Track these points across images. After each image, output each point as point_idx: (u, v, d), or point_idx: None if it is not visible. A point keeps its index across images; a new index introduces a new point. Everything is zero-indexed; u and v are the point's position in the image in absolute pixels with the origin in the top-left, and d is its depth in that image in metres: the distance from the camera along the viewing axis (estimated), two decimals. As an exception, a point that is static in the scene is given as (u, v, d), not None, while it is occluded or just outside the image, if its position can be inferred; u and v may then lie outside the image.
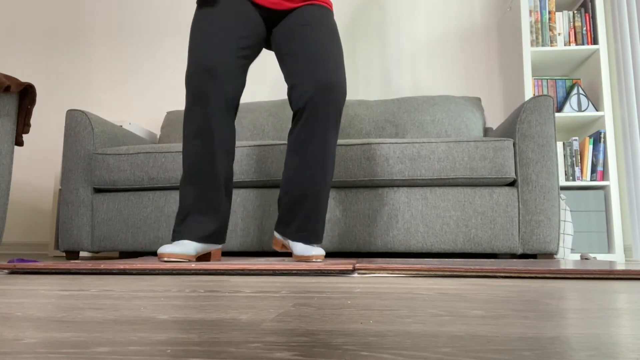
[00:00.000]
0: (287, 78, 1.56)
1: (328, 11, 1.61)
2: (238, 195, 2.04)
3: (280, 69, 1.64)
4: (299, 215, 1.54)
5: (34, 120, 3.29)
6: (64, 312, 0.55)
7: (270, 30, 1.63)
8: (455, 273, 1.11)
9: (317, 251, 1.49)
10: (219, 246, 1.61)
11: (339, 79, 1.49)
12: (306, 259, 1.48)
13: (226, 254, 2.54)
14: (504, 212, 1.92)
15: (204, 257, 1.59)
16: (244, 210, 2.02)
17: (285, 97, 3.09)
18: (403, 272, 1.13)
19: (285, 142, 2.10)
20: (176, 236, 1.50)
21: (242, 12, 1.54)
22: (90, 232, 2.10)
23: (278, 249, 1.69)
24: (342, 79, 1.51)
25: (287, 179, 1.56)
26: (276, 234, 1.65)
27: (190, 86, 1.49)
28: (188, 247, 1.45)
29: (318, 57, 1.50)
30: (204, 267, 1.15)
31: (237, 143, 2.07)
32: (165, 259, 1.39)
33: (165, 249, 1.40)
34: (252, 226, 2.01)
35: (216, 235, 1.54)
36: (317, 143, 1.50)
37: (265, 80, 3.13)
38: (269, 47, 1.70)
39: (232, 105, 1.53)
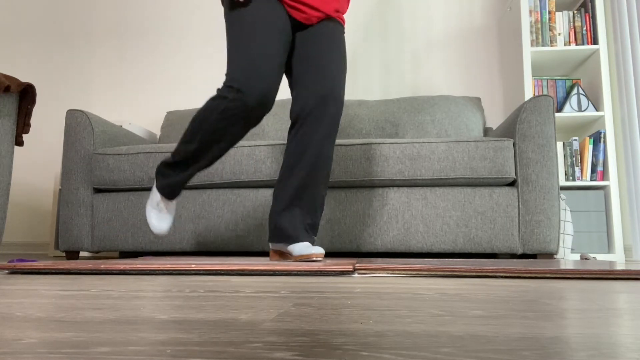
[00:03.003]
0: (293, 84, 1.63)
1: (342, 28, 1.70)
2: (238, 195, 2.04)
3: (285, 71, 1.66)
4: (294, 214, 1.56)
5: (34, 120, 3.29)
6: (64, 312, 0.55)
7: (294, 34, 1.66)
8: (455, 273, 1.11)
9: (317, 249, 1.49)
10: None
11: (340, 93, 1.59)
12: (306, 257, 1.48)
13: (226, 254, 2.54)
14: (504, 212, 1.92)
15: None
16: (244, 210, 2.02)
17: (286, 97, 3.09)
18: (403, 272, 1.13)
19: (285, 142, 2.10)
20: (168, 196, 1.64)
21: (280, 18, 1.56)
22: (90, 232, 2.10)
23: (276, 259, 1.69)
24: (343, 94, 1.62)
25: (283, 186, 1.59)
26: (271, 246, 1.64)
27: (232, 103, 1.48)
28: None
29: (326, 72, 1.58)
30: (204, 267, 1.15)
31: (237, 143, 2.07)
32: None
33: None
34: (252, 226, 2.01)
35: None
36: (313, 152, 1.55)
37: (265, 80, 3.13)
38: None
39: (261, 117, 1.57)
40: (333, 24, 1.65)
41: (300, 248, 1.52)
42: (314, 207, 1.58)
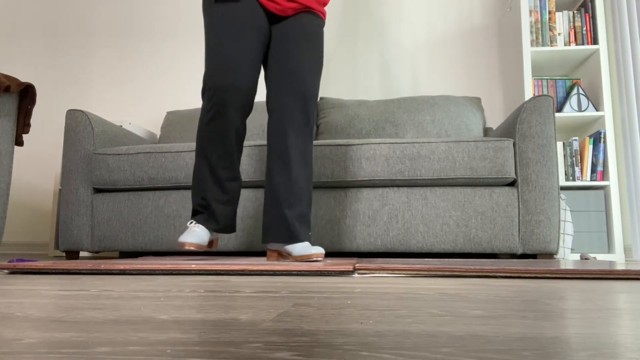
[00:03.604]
0: (266, 79, 1.65)
1: (321, 22, 1.68)
2: (238, 195, 2.04)
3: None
4: (283, 217, 1.56)
5: (34, 120, 3.29)
6: (64, 312, 0.55)
7: (270, 27, 1.67)
8: (455, 273, 1.11)
9: (317, 250, 1.49)
10: (216, 235, 1.72)
11: (310, 91, 1.59)
12: (307, 257, 1.48)
13: (226, 254, 2.54)
14: (504, 212, 1.92)
15: (210, 244, 1.71)
16: (244, 210, 2.02)
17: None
18: (403, 272, 1.13)
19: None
20: (197, 219, 1.64)
21: (254, 13, 1.58)
22: (90, 232, 2.10)
23: (274, 259, 1.69)
24: (314, 89, 1.61)
25: (268, 189, 1.61)
26: (268, 246, 1.65)
27: (213, 97, 1.54)
28: (203, 237, 1.57)
29: (297, 69, 1.58)
30: (204, 267, 1.15)
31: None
32: (187, 247, 1.52)
33: (186, 238, 1.53)
34: (252, 226, 2.01)
35: (228, 226, 1.68)
36: (292, 151, 1.56)
37: (265, 80, 3.13)
38: None
39: (248, 111, 1.62)
40: (311, 17, 1.64)
41: (300, 248, 1.52)
42: (303, 202, 1.58)
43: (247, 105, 1.59)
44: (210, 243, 1.70)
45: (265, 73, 1.67)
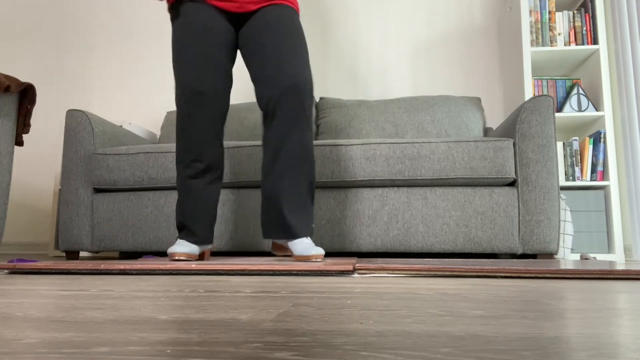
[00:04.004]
0: (253, 81, 1.62)
1: (291, 10, 1.62)
2: (238, 195, 2.04)
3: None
4: (281, 214, 1.55)
5: (34, 120, 3.29)
6: (64, 312, 0.55)
7: (237, 32, 1.66)
8: (455, 273, 1.11)
9: (317, 250, 1.49)
10: (209, 246, 1.71)
11: (300, 78, 1.52)
12: (306, 258, 1.48)
13: (226, 254, 2.54)
14: (504, 212, 1.92)
15: (200, 255, 1.72)
16: (244, 210, 2.02)
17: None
18: (403, 272, 1.13)
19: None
20: (181, 237, 1.66)
21: (214, 23, 1.59)
22: (90, 232, 2.10)
23: (279, 252, 1.70)
24: (305, 77, 1.54)
25: (264, 184, 1.60)
26: (272, 239, 1.65)
27: (182, 110, 1.58)
28: (192, 247, 1.59)
29: (279, 59, 1.54)
30: (204, 267, 1.15)
31: (238, 143, 2.07)
32: (177, 257, 1.54)
33: (176, 249, 1.55)
34: (251, 226, 2.01)
35: (208, 239, 1.67)
36: (289, 144, 1.54)
37: (265, 80, 3.13)
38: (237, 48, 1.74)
39: (222, 121, 1.62)
40: (279, 8, 1.59)
41: (301, 248, 1.52)
42: (302, 195, 1.56)
43: (217, 111, 1.58)
44: (202, 254, 1.70)
45: (250, 74, 1.65)
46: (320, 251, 1.49)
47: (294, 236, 1.54)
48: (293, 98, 1.51)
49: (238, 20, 1.63)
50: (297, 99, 1.52)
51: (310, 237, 1.59)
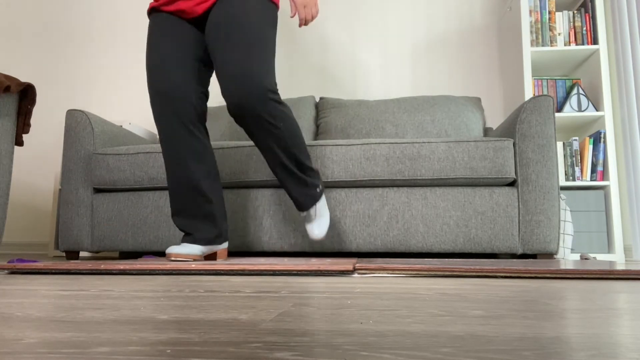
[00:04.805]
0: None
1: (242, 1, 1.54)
2: (238, 195, 2.04)
3: None
4: (292, 194, 1.65)
5: (34, 120, 3.29)
6: (64, 312, 0.55)
7: (199, 33, 1.66)
8: (455, 273, 1.11)
9: (317, 232, 1.66)
10: (222, 246, 1.68)
11: (248, 80, 1.45)
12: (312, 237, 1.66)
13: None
14: (504, 212, 1.92)
15: (210, 256, 1.69)
16: (244, 210, 2.02)
17: (286, 96, 3.09)
18: (403, 272, 1.13)
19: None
20: (182, 239, 1.65)
21: (177, 28, 1.61)
22: (90, 232, 2.10)
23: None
24: (254, 79, 1.45)
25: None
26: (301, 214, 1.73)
27: (153, 110, 1.61)
28: (193, 247, 1.57)
29: (230, 56, 1.48)
30: (204, 267, 1.15)
31: (237, 143, 2.07)
32: (173, 258, 1.52)
33: (173, 249, 1.53)
34: (252, 226, 2.01)
35: (214, 238, 1.64)
36: (261, 143, 1.55)
37: (265, 80, 3.13)
38: None
39: (195, 119, 1.61)
40: (237, 3, 1.52)
41: (318, 232, 1.67)
42: (299, 174, 1.62)
43: (187, 113, 1.57)
44: (214, 254, 1.69)
45: None
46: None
47: (302, 208, 1.66)
48: (242, 106, 1.46)
49: (198, 23, 1.64)
50: (246, 105, 1.46)
51: (318, 200, 1.67)
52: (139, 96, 3.22)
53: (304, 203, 1.64)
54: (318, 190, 1.66)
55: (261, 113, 1.47)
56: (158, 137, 1.65)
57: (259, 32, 1.51)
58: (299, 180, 1.61)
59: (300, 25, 1.62)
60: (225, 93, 1.49)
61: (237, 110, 1.48)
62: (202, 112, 1.62)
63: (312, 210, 1.66)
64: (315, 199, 1.65)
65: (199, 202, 1.61)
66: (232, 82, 1.46)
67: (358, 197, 1.97)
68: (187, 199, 1.61)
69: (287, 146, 1.55)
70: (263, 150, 1.57)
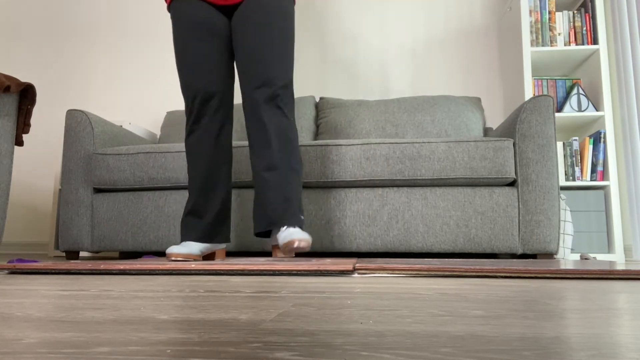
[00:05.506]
0: (238, 73, 1.64)
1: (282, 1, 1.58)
2: (238, 195, 2.04)
3: None
4: (270, 204, 1.54)
5: (34, 120, 3.29)
6: (64, 312, 0.55)
7: (229, 22, 1.66)
8: (455, 273, 1.11)
9: (300, 235, 1.43)
10: (222, 246, 1.67)
11: (276, 73, 1.52)
12: (289, 244, 1.42)
13: (226, 254, 2.54)
14: (504, 212, 1.92)
15: (208, 256, 1.68)
16: (244, 210, 2.02)
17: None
18: (403, 272, 1.13)
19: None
20: (182, 237, 1.64)
21: (207, 19, 1.59)
22: (90, 232, 2.10)
23: (279, 253, 1.69)
24: (277, 73, 1.52)
25: (255, 182, 1.59)
26: (272, 243, 1.63)
27: (192, 109, 1.59)
28: (192, 247, 1.56)
29: (259, 53, 1.53)
30: (204, 267, 1.15)
31: (238, 143, 2.07)
32: (173, 258, 1.52)
33: (173, 249, 1.53)
34: (252, 226, 2.01)
35: (216, 235, 1.62)
36: (271, 133, 1.54)
37: (265, 80, 3.13)
38: None
39: (229, 115, 1.63)
40: None
41: (284, 235, 1.46)
42: (285, 185, 1.56)
43: (222, 110, 1.59)
44: (212, 254, 1.68)
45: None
46: (305, 236, 1.45)
47: (275, 225, 1.54)
48: (268, 95, 1.52)
49: (231, 11, 1.63)
50: (270, 94, 1.52)
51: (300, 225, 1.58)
52: (139, 96, 3.22)
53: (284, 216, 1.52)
54: (302, 217, 1.59)
55: (278, 103, 1.53)
56: (186, 132, 1.63)
57: (287, 32, 1.57)
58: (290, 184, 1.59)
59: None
60: (245, 89, 1.55)
61: (252, 104, 1.54)
62: (230, 110, 1.65)
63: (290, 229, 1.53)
64: (299, 222, 1.56)
65: (216, 202, 1.61)
66: (256, 79, 1.52)
67: (358, 197, 1.97)
68: (208, 199, 1.60)
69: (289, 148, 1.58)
70: (263, 149, 1.57)
